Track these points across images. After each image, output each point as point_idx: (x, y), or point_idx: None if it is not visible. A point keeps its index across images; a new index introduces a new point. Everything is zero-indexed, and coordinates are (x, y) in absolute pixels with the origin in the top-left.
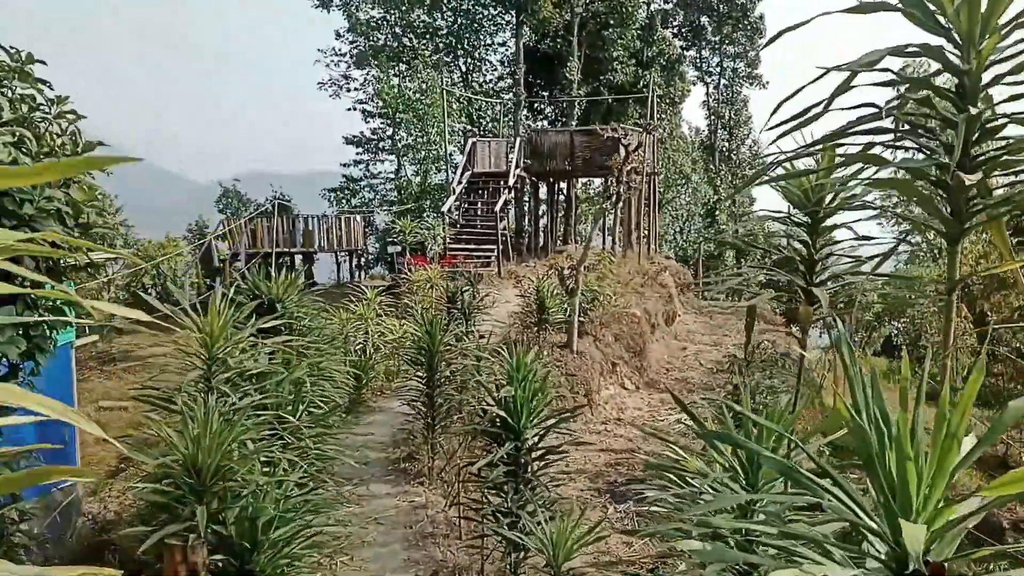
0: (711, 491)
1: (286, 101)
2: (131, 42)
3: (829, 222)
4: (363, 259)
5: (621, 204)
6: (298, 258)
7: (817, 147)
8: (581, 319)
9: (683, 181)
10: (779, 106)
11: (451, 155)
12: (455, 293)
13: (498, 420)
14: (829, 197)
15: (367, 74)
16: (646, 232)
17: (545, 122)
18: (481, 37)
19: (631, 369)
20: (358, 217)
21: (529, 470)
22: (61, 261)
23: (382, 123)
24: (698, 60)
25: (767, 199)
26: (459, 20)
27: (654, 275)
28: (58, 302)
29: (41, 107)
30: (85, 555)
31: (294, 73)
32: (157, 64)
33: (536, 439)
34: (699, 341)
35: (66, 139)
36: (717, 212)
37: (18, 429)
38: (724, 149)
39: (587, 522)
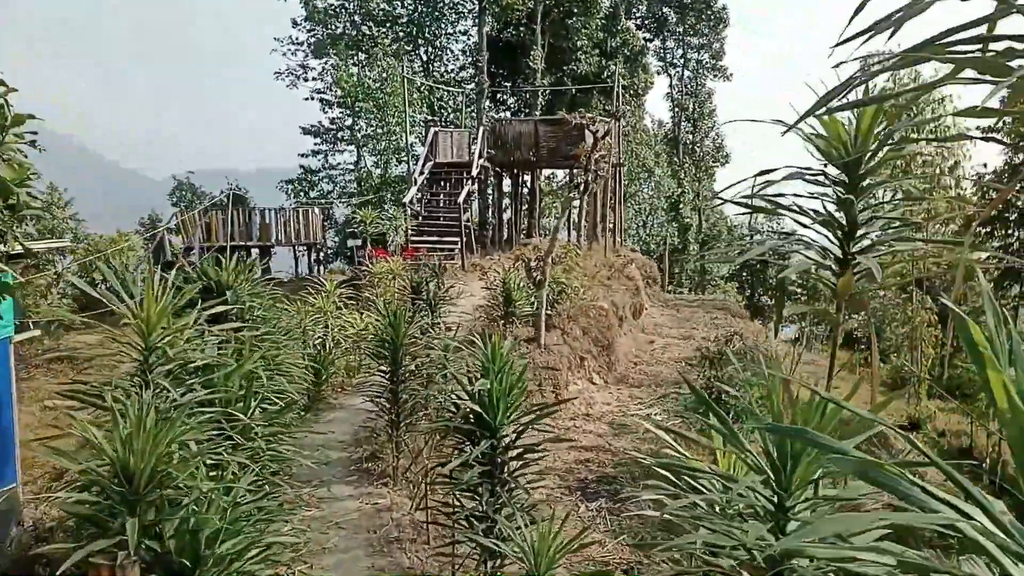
0: (738, 497)
1: (240, 92)
2: None
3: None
4: (322, 253)
5: (588, 194)
6: (255, 252)
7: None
8: (548, 312)
9: (646, 174)
10: (856, 12)
11: (412, 146)
12: (419, 284)
13: (472, 416)
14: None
15: (325, 63)
16: (612, 224)
17: (508, 113)
18: (442, 26)
19: (599, 363)
20: (316, 210)
21: (506, 470)
22: None
23: (341, 113)
24: (662, 51)
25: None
26: (419, 8)
27: (620, 268)
28: None
29: None
30: (19, 567)
31: (248, 63)
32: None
33: (514, 436)
34: (667, 334)
35: None
36: (681, 205)
37: None
38: (688, 142)
39: (569, 526)
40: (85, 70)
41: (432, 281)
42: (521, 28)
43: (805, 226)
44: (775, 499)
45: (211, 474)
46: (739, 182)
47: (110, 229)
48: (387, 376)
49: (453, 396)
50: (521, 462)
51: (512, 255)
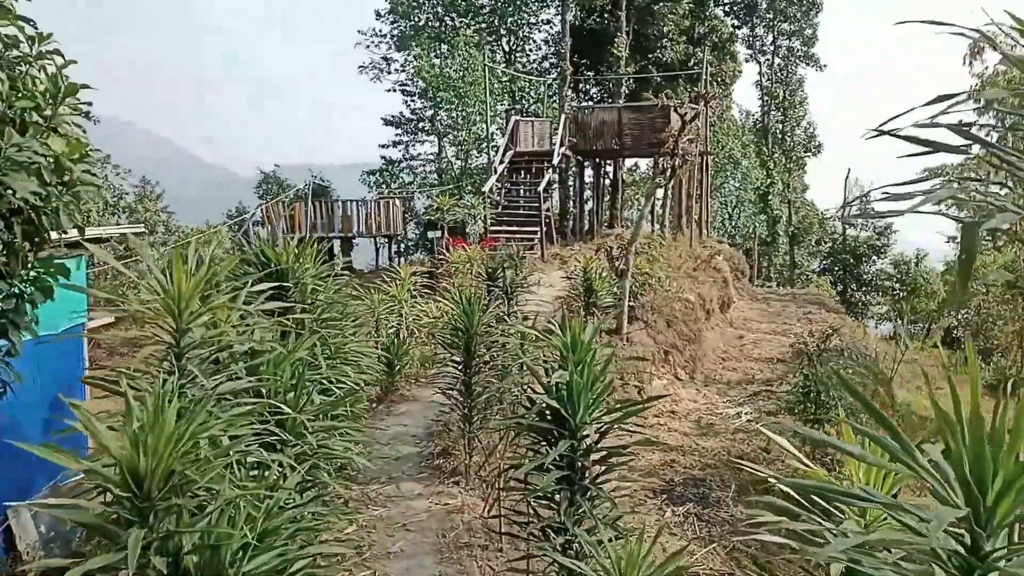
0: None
1: (327, 93)
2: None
3: None
4: (403, 245)
5: (674, 180)
6: (336, 243)
7: None
8: (631, 304)
9: (732, 166)
10: None
11: (493, 135)
12: (495, 270)
13: (548, 413)
14: None
15: (408, 55)
16: (697, 215)
17: (591, 102)
18: (524, 15)
19: (685, 358)
20: (397, 201)
21: (587, 475)
22: (44, 227)
23: (422, 103)
24: (751, 38)
25: (820, 186)
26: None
27: (707, 259)
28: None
29: (21, 46)
30: None
31: (333, 65)
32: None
33: (597, 437)
34: (757, 329)
35: (48, 83)
36: (770, 196)
37: (22, 423)
38: (778, 131)
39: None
40: (182, 76)
41: (508, 268)
42: (605, 15)
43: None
44: (968, 540)
45: (252, 474)
46: (901, 114)
47: (199, 222)
48: (460, 367)
49: (528, 389)
50: (604, 467)
51: (593, 246)
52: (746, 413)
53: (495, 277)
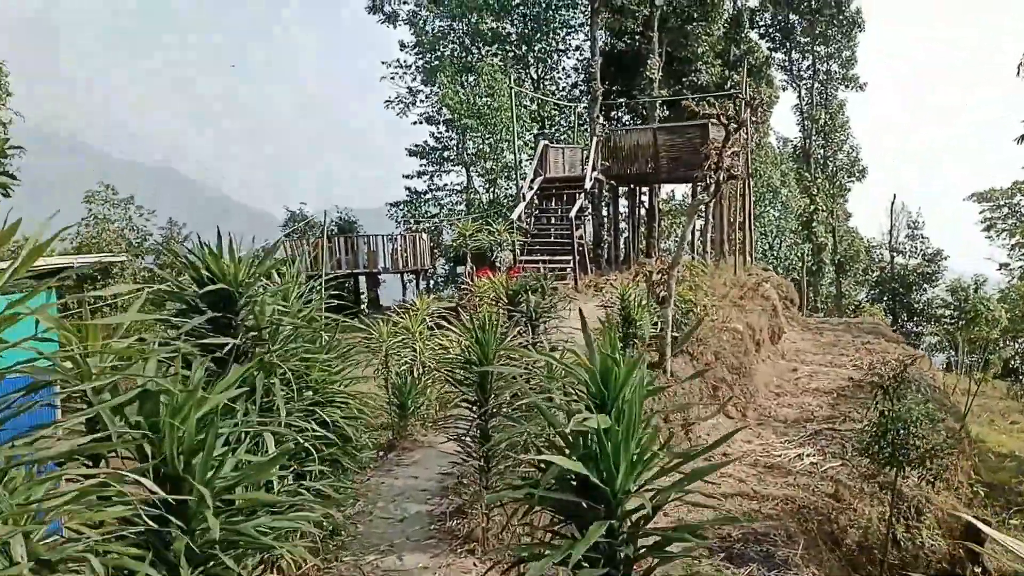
0: None
1: (351, 139)
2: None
3: None
4: (431, 281)
5: (716, 203)
6: (362, 280)
7: None
8: (674, 334)
9: (771, 195)
10: None
11: (521, 163)
12: (517, 294)
13: (573, 478)
14: None
15: (434, 88)
16: (740, 242)
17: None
18: (552, 41)
19: (735, 394)
20: (424, 235)
21: (634, 568)
22: None
23: (448, 132)
24: (787, 63)
25: (864, 213)
26: (529, 25)
27: (754, 287)
28: None
29: None
30: None
31: (363, 112)
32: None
33: (647, 511)
34: (811, 361)
35: None
36: (814, 223)
37: None
38: (819, 156)
39: None
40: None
41: (534, 290)
42: (636, 36)
43: None
44: None
45: None
46: None
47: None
48: (474, 407)
49: (544, 444)
50: (660, 558)
51: (630, 275)
52: (808, 455)
53: (517, 302)
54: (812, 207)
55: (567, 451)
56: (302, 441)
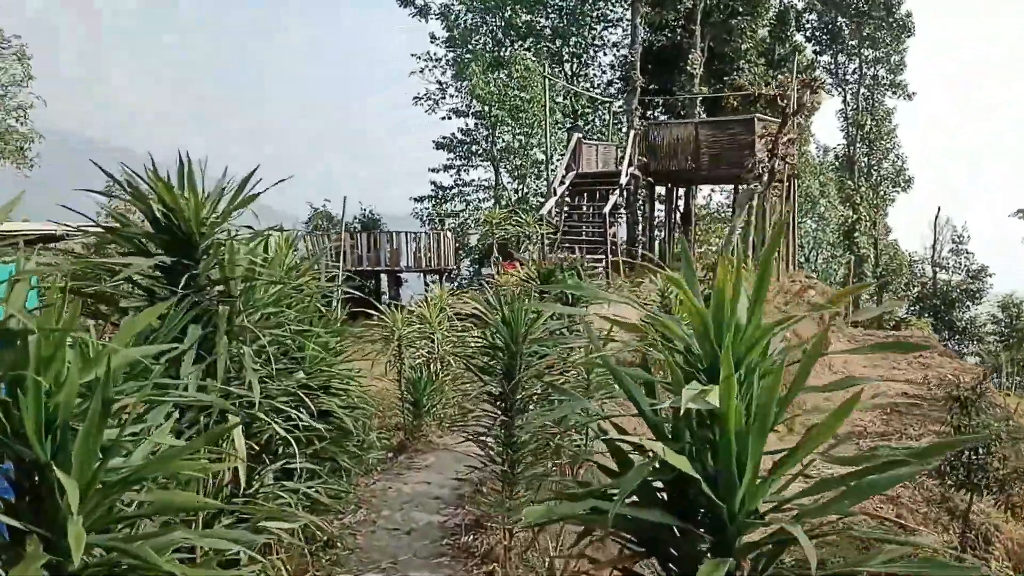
0: None
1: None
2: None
3: None
4: (456, 281)
5: (772, 188)
6: (384, 278)
7: None
8: None
9: (809, 204)
10: None
11: (552, 160)
12: (551, 274)
13: (663, 488)
14: None
15: (464, 83)
16: (782, 247)
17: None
18: (588, 36)
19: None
20: (448, 234)
21: None
22: None
23: (476, 123)
24: (832, 66)
25: (905, 223)
26: (564, 18)
27: (800, 293)
28: None
29: None
30: None
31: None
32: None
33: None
34: (862, 373)
35: None
36: (856, 233)
37: None
38: (863, 164)
39: None
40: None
41: (568, 268)
42: (677, 30)
43: None
44: None
45: None
46: None
47: None
48: (497, 402)
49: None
50: None
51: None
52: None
53: (550, 282)
54: (855, 217)
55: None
56: (280, 430)
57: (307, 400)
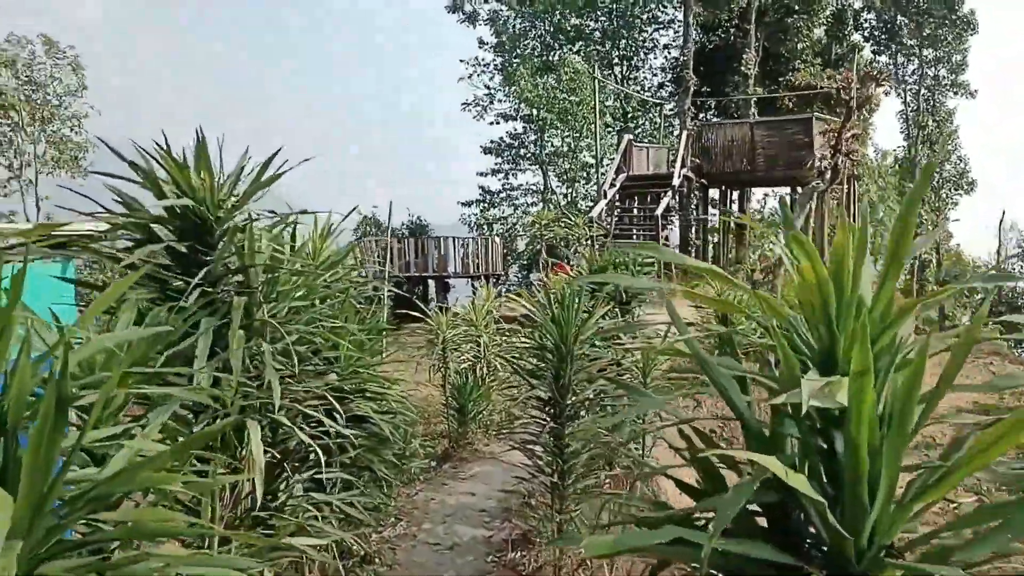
0: None
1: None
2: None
3: None
4: (503, 288)
5: (836, 185)
6: (432, 284)
7: None
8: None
9: (868, 210)
10: None
11: (602, 163)
12: (604, 269)
13: (761, 514)
14: None
15: (512, 88)
16: None
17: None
18: (638, 39)
19: None
20: (496, 239)
21: None
22: None
23: (524, 127)
24: (891, 66)
25: (964, 226)
26: (614, 21)
27: None
28: None
29: None
30: None
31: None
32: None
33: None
34: (928, 382)
35: None
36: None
37: None
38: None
39: None
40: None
41: (621, 266)
42: (731, 30)
43: None
44: None
45: None
46: None
47: None
48: (546, 407)
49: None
50: None
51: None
52: (957, 491)
53: (603, 281)
54: (918, 222)
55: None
56: (303, 437)
57: (337, 404)
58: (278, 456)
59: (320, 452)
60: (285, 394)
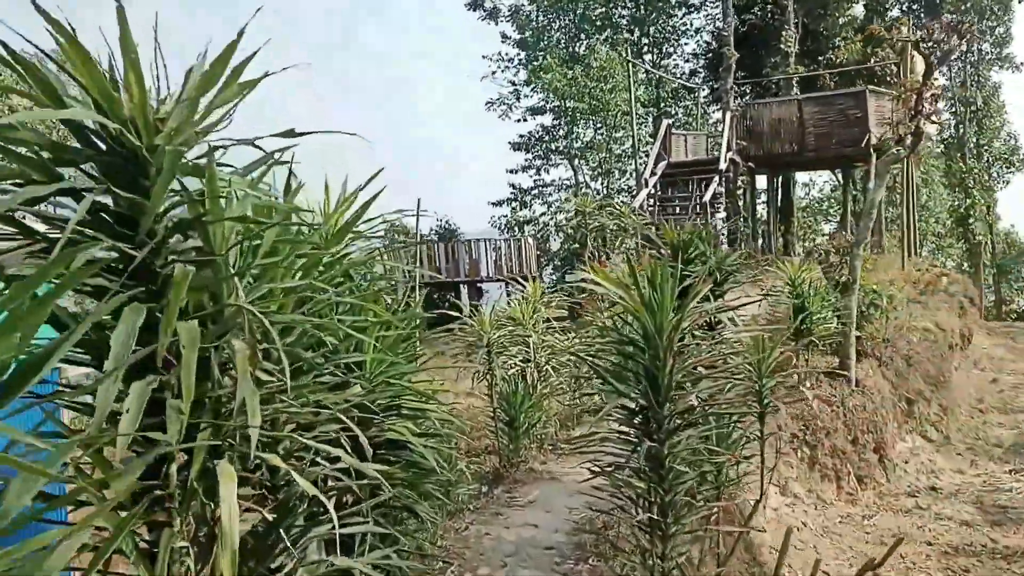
0: None
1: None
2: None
3: None
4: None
5: (916, 151)
6: (464, 289)
7: None
8: (857, 333)
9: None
10: None
11: (639, 151)
12: (689, 244)
13: None
14: None
15: (536, 85)
16: (904, 229)
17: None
18: (668, 25)
19: (932, 410)
20: (530, 240)
21: None
22: None
23: (554, 121)
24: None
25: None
26: (642, 7)
27: (933, 281)
28: None
29: None
30: None
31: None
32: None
33: None
34: (1013, 370)
35: None
36: (971, 219)
37: None
38: (972, 144)
39: None
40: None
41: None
42: (768, 5)
43: None
44: None
45: None
46: None
47: None
48: (636, 418)
49: None
50: None
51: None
52: None
53: (688, 257)
54: (968, 202)
55: None
56: (307, 486)
57: (359, 430)
58: (258, 507)
59: (334, 499)
60: (271, 415)
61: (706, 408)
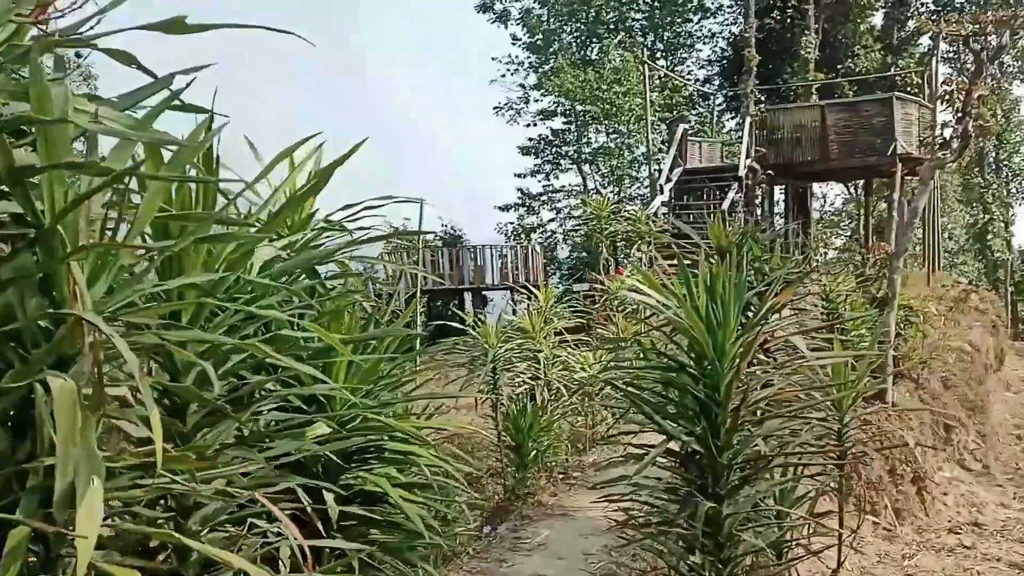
0: None
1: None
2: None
3: None
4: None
5: (964, 156)
6: (468, 296)
7: None
8: (894, 353)
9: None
10: None
11: (653, 157)
12: (741, 245)
13: None
14: None
15: (550, 84)
16: (928, 245)
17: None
18: (683, 30)
19: (972, 437)
20: (537, 247)
21: None
22: None
23: (565, 124)
24: (951, 52)
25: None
26: (655, 11)
27: (962, 298)
28: None
29: None
30: None
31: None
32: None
33: None
34: None
35: None
36: (989, 236)
37: None
38: (991, 160)
39: None
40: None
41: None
42: (788, 10)
43: None
44: None
45: None
46: None
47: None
48: (688, 462)
49: None
50: None
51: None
52: None
53: (740, 258)
54: (986, 218)
55: None
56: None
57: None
58: None
59: None
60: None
61: (776, 456)
